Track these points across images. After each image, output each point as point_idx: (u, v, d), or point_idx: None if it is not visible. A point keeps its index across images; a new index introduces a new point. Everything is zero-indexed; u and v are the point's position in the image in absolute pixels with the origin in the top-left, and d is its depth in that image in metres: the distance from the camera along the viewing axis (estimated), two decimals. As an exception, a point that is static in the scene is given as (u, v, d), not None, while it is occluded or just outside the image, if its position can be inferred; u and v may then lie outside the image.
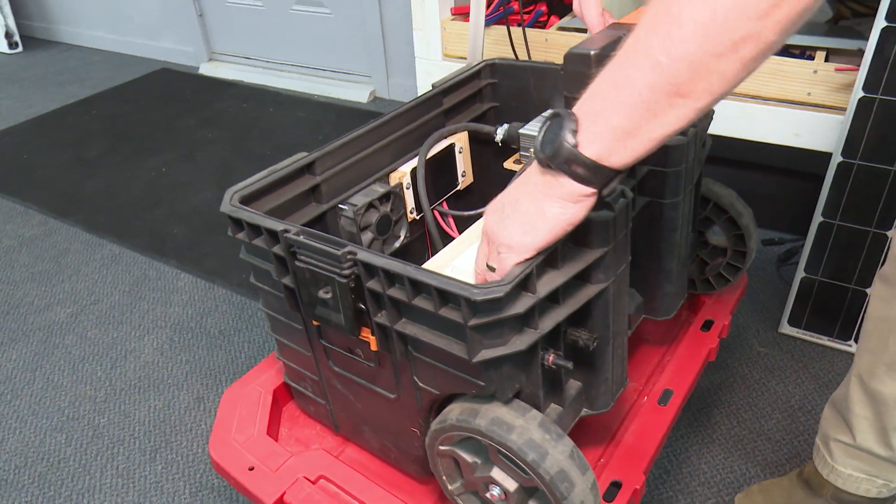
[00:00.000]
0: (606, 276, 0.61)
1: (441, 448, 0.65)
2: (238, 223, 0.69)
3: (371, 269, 0.59)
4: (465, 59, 1.63)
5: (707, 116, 0.86)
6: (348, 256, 0.59)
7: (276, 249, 0.66)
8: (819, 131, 1.10)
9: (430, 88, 0.97)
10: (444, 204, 0.97)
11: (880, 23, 0.96)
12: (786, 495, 0.99)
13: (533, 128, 0.94)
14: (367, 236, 0.84)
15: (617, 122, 0.49)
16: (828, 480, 0.93)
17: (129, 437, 1.23)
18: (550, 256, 0.56)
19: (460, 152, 0.98)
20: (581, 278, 0.60)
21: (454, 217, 0.95)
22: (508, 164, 0.97)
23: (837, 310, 1.27)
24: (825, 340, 1.31)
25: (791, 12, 0.44)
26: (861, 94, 1.02)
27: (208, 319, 1.48)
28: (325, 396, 0.78)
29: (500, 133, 0.96)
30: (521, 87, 1.00)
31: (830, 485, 0.93)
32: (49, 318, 1.52)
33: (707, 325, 0.93)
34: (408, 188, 0.89)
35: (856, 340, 1.27)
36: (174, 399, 1.29)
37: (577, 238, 0.59)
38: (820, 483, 0.95)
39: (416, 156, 0.91)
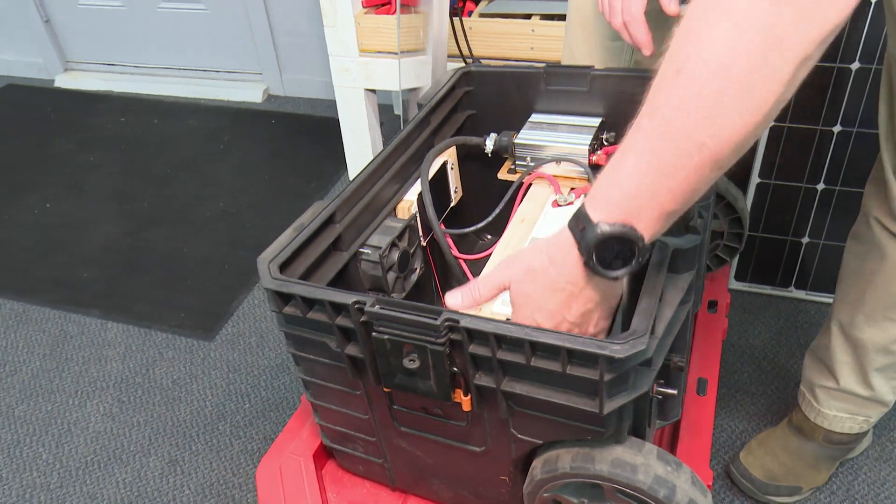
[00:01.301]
0: (694, 296, 0.61)
1: (545, 495, 0.63)
2: (286, 297, 0.62)
3: (477, 335, 0.55)
4: (383, 52, 1.56)
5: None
6: (447, 324, 0.54)
7: (342, 321, 0.60)
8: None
9: (419, 108, 0.91)
10: (441, 224, 0.93)
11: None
12: (782, 445, 1.07)
13: (529, 136, 0.91)
14: (391, 276, 0.79)
15: (671, 207, 0.48)
16: (816, 424, 1.02)
17: (109, 523, 1.10)
18: (658, 290, 0.55)
19: (452, 168, 0.94)
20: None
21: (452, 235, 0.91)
22: (503, 175, 0.95)
23: (777, 261, 1.38)
24: (769, 290, 1.41)
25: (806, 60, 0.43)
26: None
27: (156, 370, 1.34)
28: (383, 455, 0.73)
29: (490, 144, 0.93)
30: (498, 93, 0.97)
31: (820, 428, 1.02)
32: (-38, 404, 1.32)
33: (712, 306, 0.96)
34: (415, 215, 0.85)
35: (796, 287, 1.39)
36: (143, 468, 1.17)
37: (672, 266, 0.58)
38: (811, 428, 1.03)
39: (416, 180, 0.86)
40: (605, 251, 0.50)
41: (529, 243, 0.80)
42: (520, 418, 0.60)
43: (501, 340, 0.54)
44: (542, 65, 0.94)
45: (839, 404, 1.00)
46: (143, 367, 1.35)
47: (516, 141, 0.92)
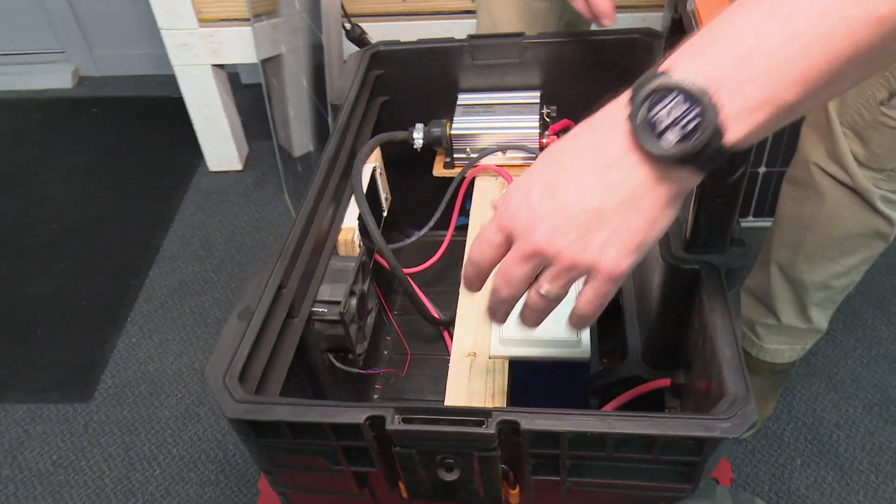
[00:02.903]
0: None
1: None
2: (262, 426, 0.46)
3: (543, 435, 0.43)
4: (228, 20, 1.31)
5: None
6: (504, 428, 0.42)
7: (348, 442, 0.46)
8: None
9: (332, 108, 0.74)
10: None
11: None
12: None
13: (466, 124, 0.78)
14: (353, 329, 0.64)
15: (788, 97, 0.34)
16: (759, 358, 1.04)
17: None
18: (737, 331, 0.46)
19: (381, 174, 0.78)
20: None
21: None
22: (439, 171, 0.81)
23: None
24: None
25: None
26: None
27: (25, 454, 1.09)
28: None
29: (420, 137, 0.79)
30: (415, 74, 0.82)
31: (763, 362, 1.05)
32: None
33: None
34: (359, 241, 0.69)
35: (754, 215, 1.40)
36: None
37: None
38: (754, 363, 1.05)
39: (349, 198, 0.71)
40: (662, 108, 0.35)
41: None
42: (580, 498, 0.50)
43: (577, 438, 0.43)
44: (465, 37, 0.80)
45: (780, 338, 1.02)
46: (4, 454, 1.09)
47: (452, 132, 0.78)
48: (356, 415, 0.44)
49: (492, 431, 0.42)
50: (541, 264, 0.41)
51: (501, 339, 0.61)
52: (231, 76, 1.48)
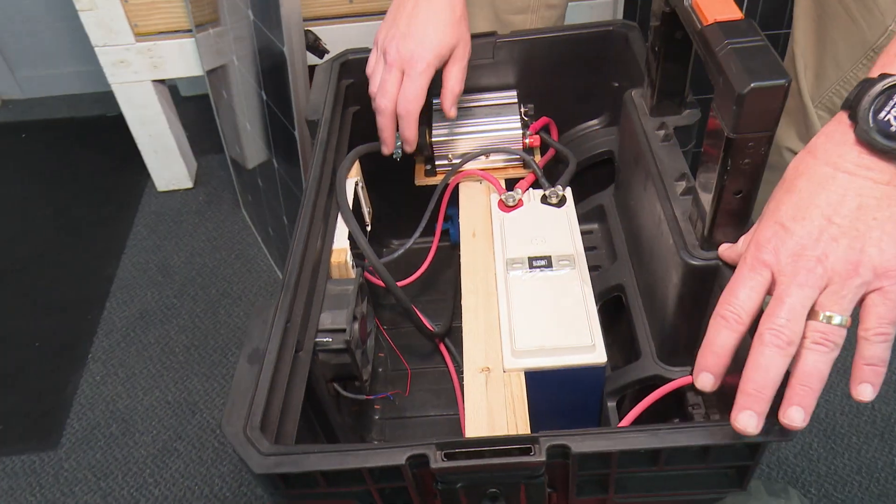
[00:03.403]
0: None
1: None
2: (293, 477, 0.43)
3: (593, 457, 0.41)
4: (168, 32, 1.25)
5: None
6: (554, 452, 0.41)
7: (385, 484, 0.43)
8: None
9: (308, 123, 0.71)
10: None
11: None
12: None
13: (446, 130, 0.76)
14: (358, 354, 0.61)
15: None
16: None
17: None
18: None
19: (362, 188, 0.75)
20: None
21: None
22: (421, 180, 0.79)
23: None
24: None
25: None
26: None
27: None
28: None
29: (398, 146, 0.76)
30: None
31: None
32: None
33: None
34: (352, 262, 0.67)
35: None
36: None
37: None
38: None
39: (336, 216, 0.68)
40: (891, 108, 0.37)
41: (504, 262, 0.67)
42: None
43: (628, 455, 0.42)
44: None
45: None
46: (-29, 513, 1.02)
47: (433, 139, 0.76)
48: (396, 456, 0.41)
49: (542, 459, 0.40)
50: (812, 295, 0.38)
51: (514, 352, 0.59)
52: (170, 89, 1.41)
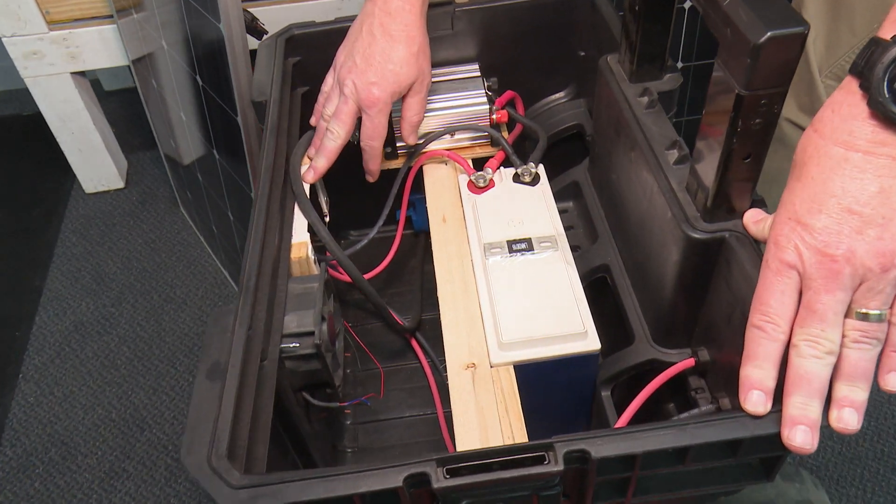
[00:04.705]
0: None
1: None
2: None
3: (620, 459, 0.37)
4: (85, 18, 1.14)
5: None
6: (572, 458, 0.36)
7: (380, 507, 0.38)
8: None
9: (255, 105, 0.63)
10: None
11: None
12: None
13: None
14: (329, 358, 0.55)
15: None
16: None
17: None
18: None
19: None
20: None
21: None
22: (382, 164, 0.72)
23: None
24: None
25: None
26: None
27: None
28: None
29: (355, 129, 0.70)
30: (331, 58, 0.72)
31: None
32: None
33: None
34: (314, 256, 0.60)
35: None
36: None
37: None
38: None
39: (292, 207, 0.61)
40: None
41: (481, 247, 0.62)
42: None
43: (652, 456, 0.37)
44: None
45: None
46: None
47: (393, 117, 0.70)
48: (390, 477, 0.36)
49: (559, 468, 0.35)
50: (844, 298, 0.35)
51: (501, 344, 0.54)
52: (92, 83, 1.30)
